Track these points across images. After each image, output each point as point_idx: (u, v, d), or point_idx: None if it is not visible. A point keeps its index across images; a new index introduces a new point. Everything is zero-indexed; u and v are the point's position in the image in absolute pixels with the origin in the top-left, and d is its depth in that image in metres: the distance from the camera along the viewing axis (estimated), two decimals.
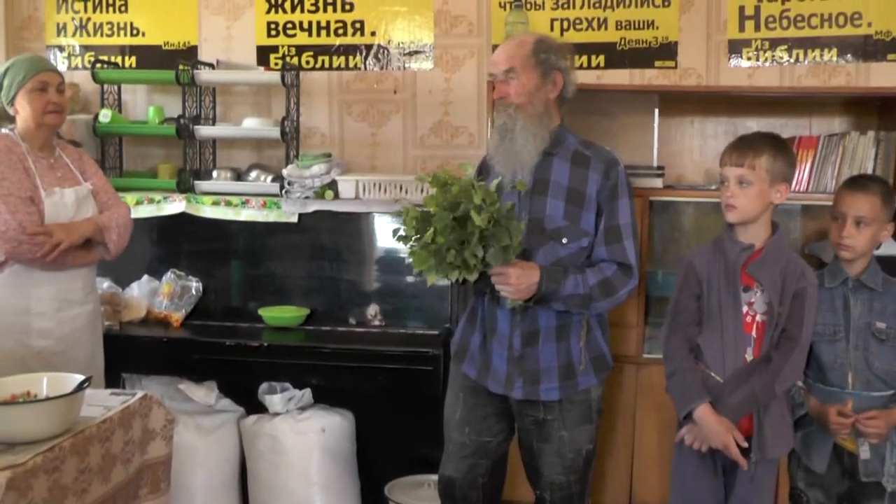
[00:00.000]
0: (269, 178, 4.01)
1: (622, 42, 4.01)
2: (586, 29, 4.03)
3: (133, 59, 4.39)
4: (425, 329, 3.73)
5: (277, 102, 4.21)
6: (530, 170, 2.59)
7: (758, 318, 2.56)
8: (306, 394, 3.60)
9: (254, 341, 3.58)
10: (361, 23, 4.19)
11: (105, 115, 4.08)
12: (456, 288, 3.68)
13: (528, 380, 2.62)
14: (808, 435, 2.66)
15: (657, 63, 4.00)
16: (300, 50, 4.24)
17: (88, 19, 4.41)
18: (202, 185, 4.03)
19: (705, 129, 3.96)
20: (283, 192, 3.86)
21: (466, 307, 2.85)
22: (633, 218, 2.62)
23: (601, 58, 4.03)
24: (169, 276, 3.93)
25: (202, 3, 4.30)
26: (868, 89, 3.79)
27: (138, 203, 3.90)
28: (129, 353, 3.59)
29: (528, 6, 4.02)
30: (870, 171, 3.46)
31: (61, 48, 4.44)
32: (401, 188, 3.80)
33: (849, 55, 3.85)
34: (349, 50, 4.21)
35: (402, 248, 3.69)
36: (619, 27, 4.01)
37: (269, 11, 4.25)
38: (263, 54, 4.26)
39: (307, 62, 4.23)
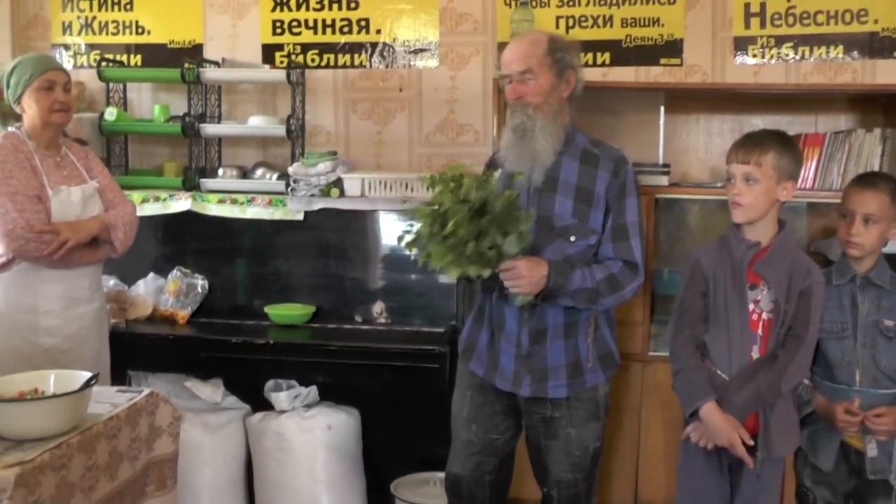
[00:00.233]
0: (275, 176, 4.01)
1: (628, 39, 4.01)
2: (592, 26, 4.02)
3: (138, 57, 4.39)
4: (431, 327, 3.72)
5: (283, 100, 4.21)
6: (543, 168, 2.60)
7: (764, 315, 2.56)
8: (312, 391, 3.60)
9: (260, 339, 3.58)
10: (367, 21, 4.19)
11: (110, 114, 4.08)
12: (461, 286, 3.68)
13: (535, 377, 2.62)
14: (814, 433, 2.66)
15: (663, 60, 3.99)
16: (305, 48, 4.24)
17: (94, 18, 4.41)
18: (208, 183, 4.03)
19: (711, 126, 3.95)
20: (289, 189, 3.85)
21: (473, 305, 2.86)
22: (640, 217, 2.63)
23: (607, 55, 4.02)
24: (175, 273, 3.94)
25: (207, 1, 4.30)
26: (874, 86, 3.77)
27: (144, 201, 3.91)
28: (135, 350, 3.59)
29: (534, 3, 4.01)
30: (876, 169, 3.45)
31: (67, 47, 4.45)
32: (406, 186, 3.80)
33: (855, 52, 3.84)
34: (354, 48, 4.21)
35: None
36: (624, 24, 4.00)
37: (274, 9, 4.25)
38: (269, 52, 4.26)
39: (312, 60, 4.23)
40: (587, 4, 4.02)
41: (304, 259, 3.91)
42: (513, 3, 4.01)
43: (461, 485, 2.78)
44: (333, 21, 4.21)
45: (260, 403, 3.63)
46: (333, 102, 4.24)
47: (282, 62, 4.20)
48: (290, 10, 4.24)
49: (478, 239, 2.34)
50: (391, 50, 4.18)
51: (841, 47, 3.85)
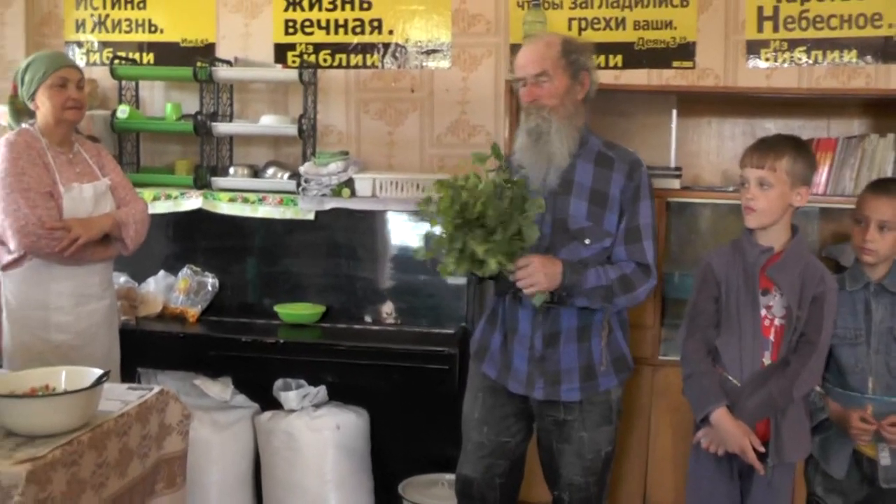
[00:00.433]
0: (286, 175, 4.01)
1: (640, 42, 4.00)
2: (604, 28, 4.02)
3: (151, 55, 4.40)
4: (441, 328, 3.71)
5: (295, 100, 4.21)
6: (558, 171, 2.60)
7: (776, 321, 2.55)
8: (321, 391, 3.60)
9: (269, 338, 3.58)
10: (379, 21, 4.19)
11: (123, 112, 4.09)
12: (472, 287, 3.67)
13: (548, 380, 2.62)
14: (826, 440, 2.65)
15: (675, 63, 3.98)
16: (318, 48, 4.24)
17: (107, 16, 4.42)
18: (219, 181, 4.03)
19: (723, 130, 3.94)
20: (300, 189, 3.86)
21: (486, 308, 2.85)
22: (653, 219, 2.63)
23: (619, 58, 4.01)
24: (185, 271, 3.94)
25: (220, 0, 4.31)
26: (888, 91, 3.75)
27: (155, 199, 3.91)
28: (144, 348, 3.60)
29: (546, 5, 4.01)
30: (889, 174, 3.42)
31: (80, 44, 4.46)
32: (418, 187, 3.80)
33: (869, 56, 3.83)
34: (367, 48, 4.21)
35: (419, 246, 3.71)
36: (637, 27, 3.99)
37: (287, 9, 4.25)
38: (281, 52, 4.27)
39: (325, 60, 4.24)
40: (600, 6, 4.01)
41: (315, 259, 3.91)
42: (525, 5, 4.01)
43: (472, 487, 2.77)
44: (346, 21, 4.22)
45: (269, 402, 3.63)
46: (345, 102, 4.24)
47: (294, 62, 4.21)
48: (302, 9, 4.24)
49: (508, 222, 2.35)
50: (403, 50, 4.18)
51: (854, 51, 3.84)
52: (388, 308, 3.84)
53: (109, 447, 2.20)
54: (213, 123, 4.06)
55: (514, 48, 3.82)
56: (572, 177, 2.61)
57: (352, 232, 3.87)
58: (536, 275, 2.44)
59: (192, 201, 3.94)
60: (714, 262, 2.64)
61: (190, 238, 4.01)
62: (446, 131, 4.18)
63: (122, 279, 3.86)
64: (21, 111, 3.05)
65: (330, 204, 3.83)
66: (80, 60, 4.39)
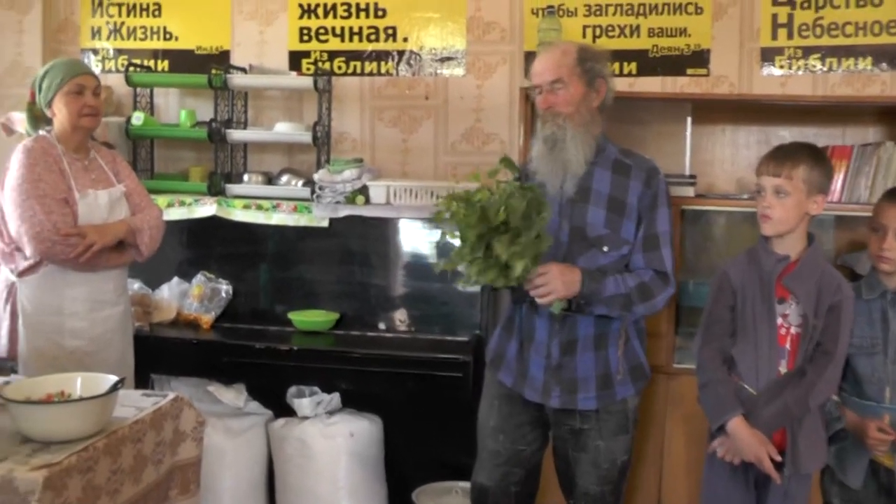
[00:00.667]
0: (301, 182, 4.01)
1: (654, 49, 3.99)
2: (619, 36, 4.01)
3: (166, 62, 4.42)
4: (454, 335, 3.71)
5: (309, 107, 4.22)
6: (575, 179, 2.59)
7: (792, 330, 2.54)
8: (335, 398, 3.60)
9: (283, 345, 3.58)
10: (394, 29, 4.20)
11: (137, 118, 4.11)
12: (486, 295, 3.67)
13: (565, 389, 2.61)
14: (842, 450, 2.63)
15: (689, 71, 3.97)
16: (332, 55, 4.26)
17: (122, 23, 4.45)
18: (233, 188, 4.04)
19: (737, 137, 3.93)
20: (314, 196, 3.86)
21: (502, 315, 2.85)
22: (671, 227, 2.63)
23: (633, 65, 4.01)
24: (199, 278, 3.95)
25: (235, 7, 4.33)
26: None
27: (169, 206, 3.92)
28: (158, 354, 3.60)
29: (561, 13, 4.01)
30: None
31: (95, 51, 4.48)
32: (432, 194, 3.79)
33: (884, 64, 3.81)
34: (381, 56, 4.22)
35: (432, 255, 3.70)
36: (651, 34, 3.99)
37: (301, 17, 4.27)
38: (296, 59, 4.28)
39: (339, 67, 4.24)
40: (614, 14, 4.01)
41: (329, 266, 3.91)
42: (540, 13, 4.01)
43: (487, 495, 2.77)
44: (360, 29, 4.23)
45: (282, 409, 3.63)
46: (360, 110, 4.25)
47: (309, 69, 4.22)
48: (317, 17, 4.26)
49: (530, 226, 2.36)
50: (418, 58, 4.19)
51: (870, 59, 3.82)
52: (401, 315, 3.84)
53: (124, 453, 2.20)
54: (228, 130, 4.07)
55: (529, 56, 3.83)
56: (590, 184, 2.61)
57: (366, 239, 3.87)
58: (554, 282, 2.44)
59: (206, 208, 3.95)
60: (730, 270, 2.63)
61: (204, 245, 4.02)
62: (461, 139, 4.18)
63: (136, 285, 3.87)
64: (38, 118, 3.06)
65: (344, 211, 3.83)
66: (96, 67, 4.41)
